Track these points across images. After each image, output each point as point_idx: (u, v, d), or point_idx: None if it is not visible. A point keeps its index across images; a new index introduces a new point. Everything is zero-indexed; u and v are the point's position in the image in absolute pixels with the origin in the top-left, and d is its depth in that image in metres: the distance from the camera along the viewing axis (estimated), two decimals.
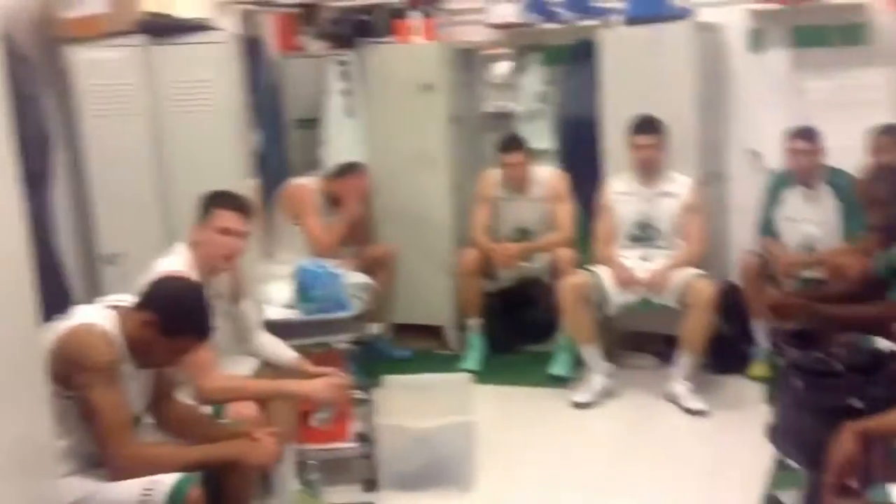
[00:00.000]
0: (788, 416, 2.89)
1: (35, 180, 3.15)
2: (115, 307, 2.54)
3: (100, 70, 3.62)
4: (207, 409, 2.94)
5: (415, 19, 4.97)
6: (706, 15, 4.81)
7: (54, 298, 2.34)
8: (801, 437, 2.78)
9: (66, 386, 2.36)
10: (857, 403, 2.66)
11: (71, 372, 2.37)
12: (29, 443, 2.10)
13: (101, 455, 2.41)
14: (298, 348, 3.42)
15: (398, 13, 5.08)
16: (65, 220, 3.74)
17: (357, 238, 4.85)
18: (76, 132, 3.72)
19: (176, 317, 2.47)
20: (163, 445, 2.63)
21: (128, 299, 2.59)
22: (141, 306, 2.50)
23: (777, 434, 2.93)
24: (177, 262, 2.99)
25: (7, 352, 1.98)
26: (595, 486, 3.49)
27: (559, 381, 4.52)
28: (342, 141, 5.02)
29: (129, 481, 2.37)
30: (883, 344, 2.88)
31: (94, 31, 3.55)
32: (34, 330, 2.15)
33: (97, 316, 2.48)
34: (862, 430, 2.34)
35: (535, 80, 5.31)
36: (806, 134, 4.35)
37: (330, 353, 3.70)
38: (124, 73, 3.65)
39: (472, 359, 4.79)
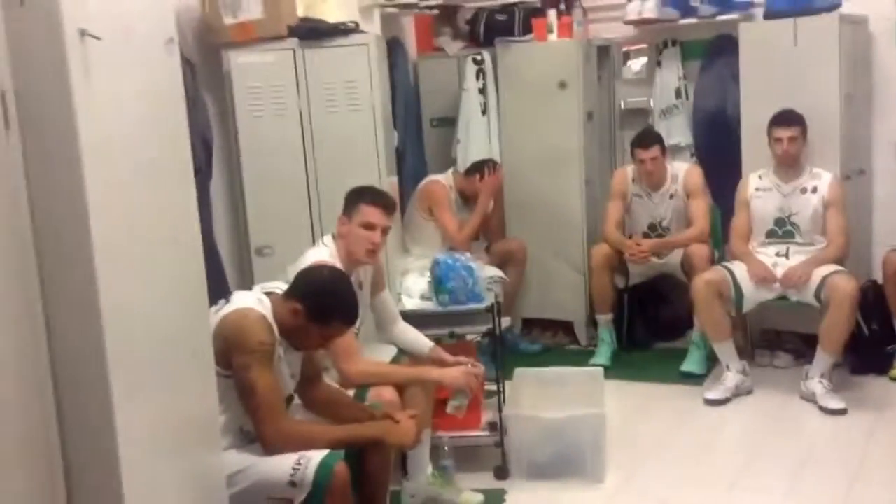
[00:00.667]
0: None
1: (197, 177, 3.40)
2: (270, 293, 2.74)
3: (256, 72, 3.85)
4: (351, 392, 3.11)
5: (551, 17, 5.03)
6: (852, 6, 4.66)
7: (212, 285, 2.54)
8: None
9: (225, 366, 2.55)
10: None
11: (231, 353, 2.57)
12: (198, 419, 2.29)
13: (256, 431, 2.60)
14: (433, 338, 3.56)
15: (535, 12, 5.16)
16: (220, 213, 4.01)
17: (490, 233, 4.98)
18: (232, 131, 3.99)
19: (324, 304, 2.64)
20: (312, 424, 2.81)
21: (281, 286, 2.78)
22: (290, 295, 2.68)
23: None
24: (323, 253, 3.18)
25: (182, 335, 2.16)
26: (727, 484, 3.47)
27: (691, 378, 4.50)
28: (477, 139, 5.14)
29: (281, 456, 2.55)
30: None
31: (251, 36, 3.78)
32: (204, 315, 2.35)
33: (255, 302, 2.68)
34: None
35: (671, 76, 5.28)
36: None
37: (463, 343, 3.82)
38: (278, 75, 3.87)
39: (603, 354, 4.82)
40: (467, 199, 4.72)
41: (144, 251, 1.93)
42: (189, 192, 2.22)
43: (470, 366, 3.33)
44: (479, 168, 4.73)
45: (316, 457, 2.54)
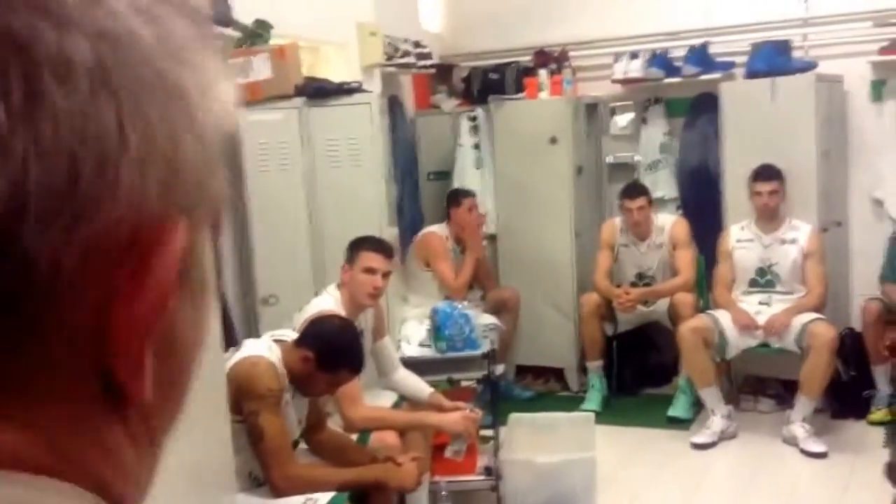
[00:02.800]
0: None
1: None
2: (279, 341, 2.89)
3: (264, 130, 4.03)
4: (354, 437, 3.25)
5: (542, 76, 5.26)
6: (828, 67, 4.91)
7: (223, 333, 2.67)
8: None
9: (236, 412, 2.68)
10: None
11: (241, 399, 2.70)
12: (213, 463, 2.39)
13: (265, 475, 2.73)
14: (432, 384, 3.70)
15: (527, 71, 5.40)
16: (228, 264, 4.16)
17: (484, 281, 5.14)
18: (241, 186, 4.16)
19: (332, 353, 2.79)
20: (318, 468, 2.94)
21: (290, 334, 2.93)
22: (300, 343, 2.82)
23: (894, 471, 3.02)
24: (328, 301, 3.33)
25: (198, 380, 2.29)
26: None
27: (678, 423, 4.65)
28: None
29: (289, 498, 2.68)
30: None
31: (260, 96, 3.96)
32: (220, 362, 2.48)
33: (265, 349, 2.82)
34: None
35: (656, 132, 5.50)
36: None
37: (461, 389, 3.96)
38: (285, 132, 4.05)
39: (593, 400, 4.96)
40: (464, 247, 4.89)
41: None
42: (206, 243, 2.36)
43: (468, 411, 3.46)
44: (453, 197, 4.89)
45: (322, 499, 2.67)
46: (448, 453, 3.53)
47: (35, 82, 0.30)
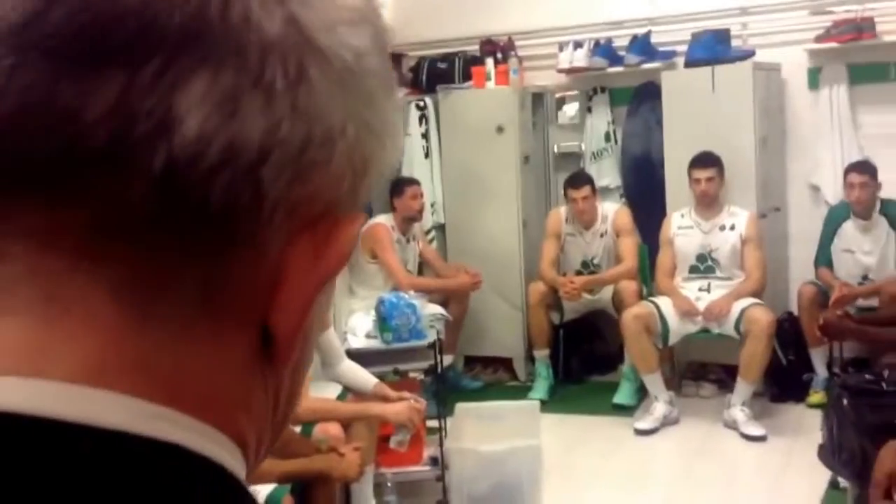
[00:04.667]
0: (838, 434, 3.06)
1: None
2: None
3: None
4: (297, 428, 3.24)
5: (489, 66, 5.29)
6: (765, 55, 5.00)
7: None
8: (849, 454, 2.95)
9: None
10: None
11: None
12: None
13: None
14: (378, 375, 3.71)
15: (474, 60, 5.42)
16: None
17: (440, 274, 5.14)
18: None
19: None
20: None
21: None
22: None
23: (827, 453, 3.09)
24: None
25: None
26: None
27: (623, 410, 4.72)
28: (421, 181, 5.33)
29: None
30: None
31: None
32: None
33: None
34: None
35: (601, 121, 5.56)
36: (863, 167, 4.53)
37: (407, 381, 3.97)
38: None
39: (540, 388, 5.01)
40: (411, 224, 4.89)
41: None
42: None
43: (413, 401, 3.48)
44: (395, 186, 4.89)
45: (263, 491, 2.67)
46: (392, 444, 3.54)
47: (305, 67, 0.38)
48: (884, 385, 3.00)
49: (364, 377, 3.63)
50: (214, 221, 0.37)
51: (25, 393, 0.35)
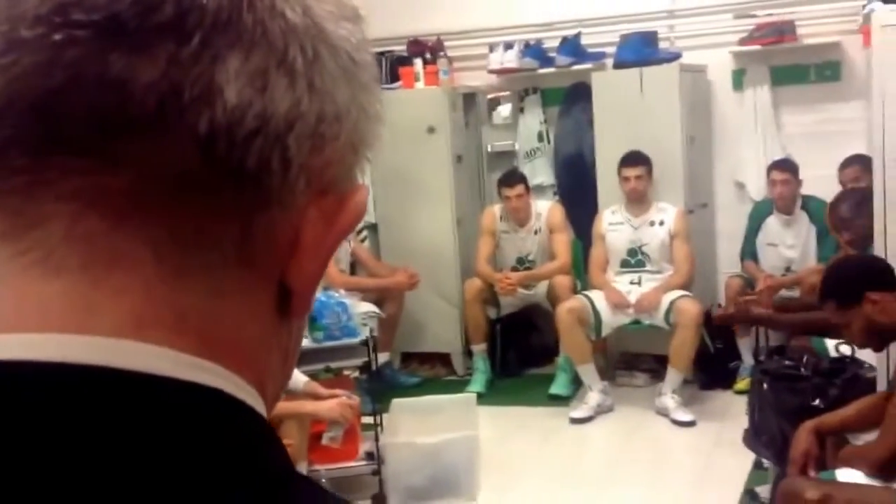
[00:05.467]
0: (759, 417, 3.17)
1: None
2: None
3: None
4: None
5: (417, 66, 5.33)
6: (692, 57, 5.14)
7: None
8: (769, 435, 3.06)
9: None
10: (819, 404, 2.95)
11: None
12: None
13: None
14: (310, 374, 3.70)
15: (402, 60, 5.45)
16: None
17: (375, 274, 5.16)
18: None
19: None
20: None
21: None
22: None
23: (750, 436, 3.21)
24: None
25: None
26: (591, 494, 3.76)
27: (559, 400, 4.80)
28: None
29: None
30: (844, 350, 3.17)
31: None
32: None
33: None
34: (816, 426, 2.62)
35: (533, 121, 5.64)
36: (785, 165, 4.71)
37: (340, 378, 3.98)
38: None
39: (478, 382, 5.06)
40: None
41: None
42: None
43: (345, 397, 3.48)
44: None
45: None
46: (325, 440, 3.54)
47: (319, 52, 0.42)
48: (802, 370, 3.13)
49: (294, 376, 3.60)
50: (249, 183, 0.41)
51: (76, 347, 0.38)
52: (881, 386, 2.86)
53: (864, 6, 4.03)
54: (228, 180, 0.40)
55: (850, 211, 3.52)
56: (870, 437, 2.53)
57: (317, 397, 3.47)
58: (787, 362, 3.24)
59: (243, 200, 0.41)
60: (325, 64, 0.43)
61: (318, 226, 0.44)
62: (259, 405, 0.43)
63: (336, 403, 3.39)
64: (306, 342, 4.04)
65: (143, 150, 0.39)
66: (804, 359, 3.16)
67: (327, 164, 0.44)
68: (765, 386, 3.11)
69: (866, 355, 3.03)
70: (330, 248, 0.45)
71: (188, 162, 0.39)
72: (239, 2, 0.40)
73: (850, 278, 2.66)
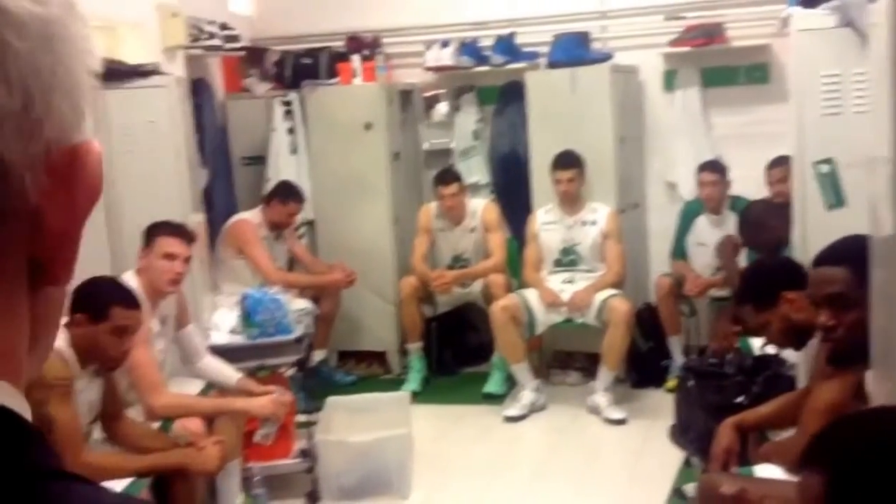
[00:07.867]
0: (686, 415, 3.22)
1: None
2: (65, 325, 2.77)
3: None
4: (156, 425, 3.17)
5: (355, 62, 5.29)
6: (623, 58, 5.20)
7: None
8: (695, 432, 3.11)
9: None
10: (742, 401, 3.01)
11: (28, 389, 2.58)
12: None
13: None
14: (244, 371, 3.66)
15: (340, 56, 5.41)
16: None
17: (311, 270, 5.12)
18: None
19: (94, 297, 2.67)
20: (114, 455, 2.86)
21: None
22: (70, 315, 2.69)
23: (677, 432, 3.26)
24: None
25: None
26: (523, 491, 3.79)
27: (493, 399, 4.81)
28: (287, 177, 5.29)
29: None
30: (768, 349, 3.23)
31: None
32: None
33: None
34: (737, 423, 2.67)
35: (469, 119, 5.65)
36: (714, 166, 4.80)
37: (275, 376, 3.94)
38: None
39: (414, 381, 5.05)
40: (279, 230, 4.86)
41: None
42: None
43: (278, 395, 3.45)
44: (281, 191, 4.87)
45: (118, 486, 2.59)
46: (257, 437, 3.50)
47: (3, 35, 0.42)
48: (725, 368, 3.19)
49: (226, 373, 3.58)
50: None
51: None
52: (802, 383, 2.93)
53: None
54: None
55: (757, 223, 3.64)
56: (790, 433, 2.59)
57: (250, 394, 3.43)
58: (711, 360, 3.30)
59: None
60: (13, 46, 0.42)
61: (59, 198, 0.45)
62: (17, 402, 0.45)
63: (269, 400, 3.37)
64: (240, 339, 3.99)
65: None
66: (728, 357, 3.22)
67: (48, 142, 0.44)
68: (690, 384, 3.17)
69: (790, 354, 3.09)
70: (79, 215, 0.47)
71: None
72: None
73: (765, 280, 2.72)
